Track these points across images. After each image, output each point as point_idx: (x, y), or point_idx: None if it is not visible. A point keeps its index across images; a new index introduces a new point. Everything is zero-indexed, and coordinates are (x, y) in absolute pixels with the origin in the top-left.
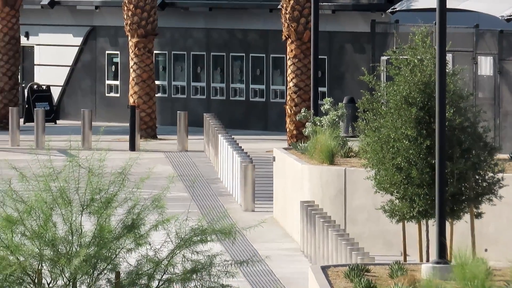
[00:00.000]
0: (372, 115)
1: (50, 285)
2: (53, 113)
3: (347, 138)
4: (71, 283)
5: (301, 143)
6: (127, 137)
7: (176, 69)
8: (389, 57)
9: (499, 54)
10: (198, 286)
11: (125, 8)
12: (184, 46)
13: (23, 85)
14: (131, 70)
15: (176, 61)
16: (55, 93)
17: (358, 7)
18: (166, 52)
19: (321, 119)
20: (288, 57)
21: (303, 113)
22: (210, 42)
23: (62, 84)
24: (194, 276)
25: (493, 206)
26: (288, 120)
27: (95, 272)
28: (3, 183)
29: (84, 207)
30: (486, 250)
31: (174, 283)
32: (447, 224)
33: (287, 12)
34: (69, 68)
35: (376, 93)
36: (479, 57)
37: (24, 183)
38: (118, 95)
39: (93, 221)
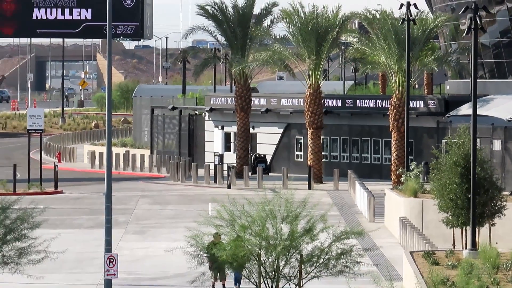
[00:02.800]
0: (437, 171)
1: (264, 260)
2: (267, 169)
3: (424, 183)
4: (276, 259)
5: (399, 186)
6: (306, 182)
7: (333, 146)
8: (446, 140)
9: (505, 139)
10: (344, 262)
11: (306, 113)
12: (337, 133)
13: (251, 154)
14: (309, 147)
15: (333, 142)
16: (268, 158)
17: (430, 113)
18: (328, 137)
19: (410, 173)
20: (392, 140)
21: (400, 170)
22: (351, 131)
23: (272, 153)
24: (342, 256)
25: (500, 220)
26: (392, 173)
27: (288, 254)
28: (239, 206)
29: (283, 219)
30: (497, 243)
31: (331, 260)
32: (476, 229)
33: (392, 116)
34: (275, 145)
35: (439, 159)
36: (494, 140)
37: (250, 206)
38: (301, 160)
39: (288, 227)
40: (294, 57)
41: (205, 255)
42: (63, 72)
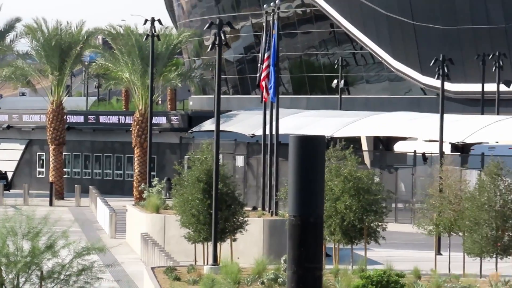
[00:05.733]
0: (180, 187)
1: (5, 277)
2: (8, 186)
3: (166, 199)
4: (16, 276)
5: (141, 202)
6: (48, 198)
7: (75, 162)
8: (189, 156)
9: (247, 155)
10: (85, 278)
11: (48, 129)
12: (80, 149)
13: None
14: (51, 163)
15: (75, 158)
16: (9, 174)
17: (173, 129)
18: (70, 153)
19: (152, 189)
20: (135, 156)
21: (143, 186)
22: (93, 147)
23: (13, 169)
24: (83, 272)
25: (242, 235)
26: (134, 189)
27: (29, 271)
28: None
29: (24, 236)
30: (238, 258)
31: (72, 276)
32: (218, 245)
33: (134, 132)
34: (17, 161)
35: (182, 175)
36: (236, 156)
37: None
38: (43, 176)
39: (29, 244)
40: (37, 73)
41: None
42: None
